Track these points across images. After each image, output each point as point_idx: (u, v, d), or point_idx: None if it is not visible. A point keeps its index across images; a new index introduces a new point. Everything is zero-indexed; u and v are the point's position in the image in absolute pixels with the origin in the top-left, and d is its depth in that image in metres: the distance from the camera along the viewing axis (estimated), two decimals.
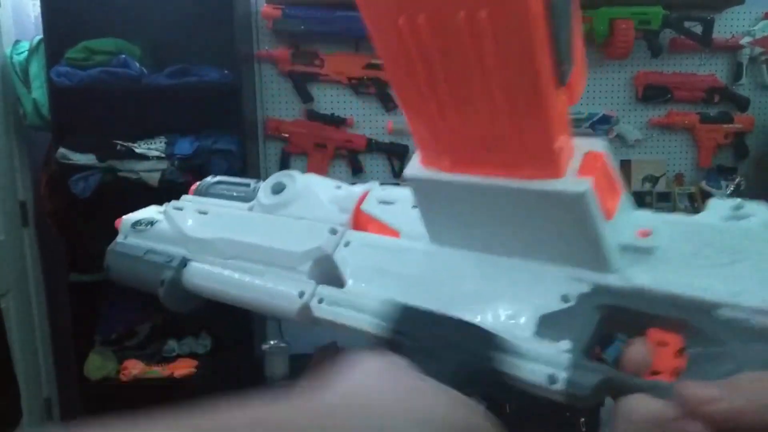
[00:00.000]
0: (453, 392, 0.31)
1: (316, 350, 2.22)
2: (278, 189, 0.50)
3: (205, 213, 0.53)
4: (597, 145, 0.32)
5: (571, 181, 0.31)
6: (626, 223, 0.33)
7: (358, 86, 2.18)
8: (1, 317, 1.51)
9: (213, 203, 0.54)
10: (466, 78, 0.29)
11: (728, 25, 2.25)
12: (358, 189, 0.47)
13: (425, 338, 0.35)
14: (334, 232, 0.44)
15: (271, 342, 2.04)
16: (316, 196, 0.48)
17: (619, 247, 0.32)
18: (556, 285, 0.34)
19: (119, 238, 0.57)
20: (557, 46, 0.27)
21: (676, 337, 0.31)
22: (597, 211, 0.31)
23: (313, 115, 2.20)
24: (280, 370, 2.03)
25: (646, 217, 0.34)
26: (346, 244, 0.43)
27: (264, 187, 0.51)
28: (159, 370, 1.97)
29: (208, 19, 1.99)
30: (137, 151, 1.91)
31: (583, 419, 1.51)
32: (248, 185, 0.55)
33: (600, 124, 2.23)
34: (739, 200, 0.32)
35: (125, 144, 1.91)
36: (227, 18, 1.90)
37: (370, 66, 2.15)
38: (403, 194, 0.43)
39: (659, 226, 0.32)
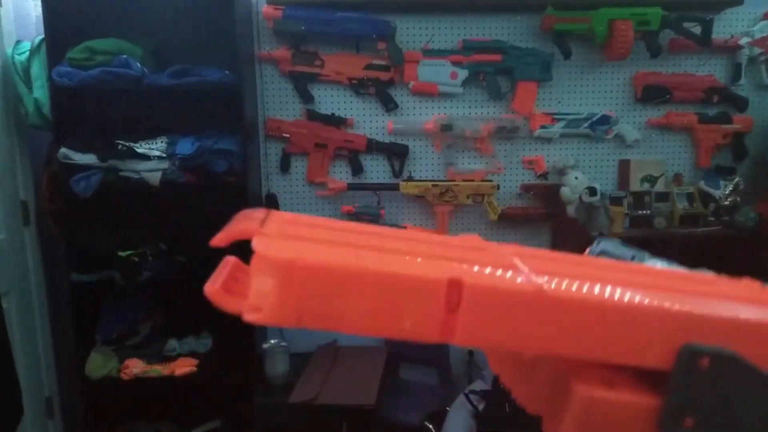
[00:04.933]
0: None
1: (317, 349, 2.22)
2: None
3: None
4: None
5: None
6: None
7: (358, 87, 2.19)
8: (3, 316, 1.51)
9: None
10: None
11: (727, 26, 2.26)
12: None
13: None
14: None
15: (272, 341, 2.05)
16: None
17: None
18: None
19: None
20: None
21: None
22: None
23: (314, 116, 2.20)
24: (281, 369, 2.04)
25: None
26: None
27: None
28: (160, 369, 1.97)
29: (209, 20, 2.00)
30: (138, 151, 1.92)
31: None
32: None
33: (599, 125, 2.24)
34: None
35: (126, 144, 1.92)
36: (228, 19, 1.91)
37: (371, 67, 2.16)
38: None
39: None
